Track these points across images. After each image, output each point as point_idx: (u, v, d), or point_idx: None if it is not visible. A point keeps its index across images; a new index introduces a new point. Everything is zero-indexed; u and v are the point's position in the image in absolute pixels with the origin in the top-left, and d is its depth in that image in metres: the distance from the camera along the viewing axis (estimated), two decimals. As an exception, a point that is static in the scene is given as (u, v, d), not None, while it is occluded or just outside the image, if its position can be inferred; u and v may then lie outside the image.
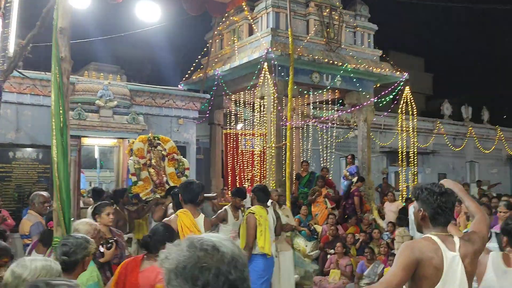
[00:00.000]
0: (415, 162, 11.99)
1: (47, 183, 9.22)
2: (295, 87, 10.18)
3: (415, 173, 12.14)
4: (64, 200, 2.95)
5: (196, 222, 4.24)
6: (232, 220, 6.18)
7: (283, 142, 9.87)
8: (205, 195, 7.41)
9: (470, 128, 20.18)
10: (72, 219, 3.08)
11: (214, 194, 6.96)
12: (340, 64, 10.60)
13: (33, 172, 9.27)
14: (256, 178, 11.60)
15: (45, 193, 5.55)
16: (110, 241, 3.66)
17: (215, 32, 12.08)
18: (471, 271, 2.46)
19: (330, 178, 11.40)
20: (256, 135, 12.28)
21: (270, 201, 7.04)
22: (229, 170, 12.20)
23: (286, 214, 7.32)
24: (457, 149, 19.72)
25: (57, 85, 2.98)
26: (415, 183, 12.44)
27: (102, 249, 3.38)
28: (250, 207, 5.78)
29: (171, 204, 6.06)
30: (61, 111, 2.93)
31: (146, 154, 6.88)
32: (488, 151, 20.71)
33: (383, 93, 11.89)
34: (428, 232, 2.52)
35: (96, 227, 3.47)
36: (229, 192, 10.42)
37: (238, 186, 11.44)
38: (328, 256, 8.36)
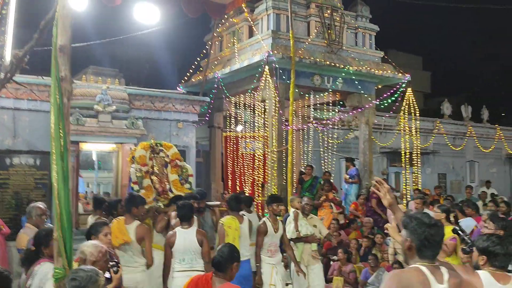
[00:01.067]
0: (418, 163, 11.88)
1: (45, 189, 9.07)
2: (296, 90, 10.06)
3: (418, 173, 12.02)
4: (65, 229, 2.80)
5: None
6: (271, 232, 5.92)
7: (285, 146, 9.75)
8: (207, 203, 7.29)
9: (470, 128, 20.10)
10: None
11: (218, 203, 6.76)
12: (342, 66, 10.47)
13: (31, 178, 9.12)
14: (257, 182, 11.45)
15: (42, 205, 5.38)
16: (117, 264, 3.53)
17: (215, 34, 11.93)
18: None
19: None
20: (257, 138, 12.14)
21: (292, 210, 6.95)
22: (229, 174, 12.07)
23: (314, 224, 6.93)
24: (457, 149, 19.65)
25: (57, 107, 2.83)
26: (418, 183, 12.34)
27: (108, 274, 3.24)
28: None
29: (173, 213, 5.93)
30: (61, 134, 2.79)
31: (148, 162, 6.72)
32: (487, 151, 20.64)
33: (385, 95, 11.76)
34: (414, 263, 2.47)
35: (101, 249, 3.34)
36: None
37: (238, 190, 11.32)
38: (331, 262, 8.23)
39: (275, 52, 9.60)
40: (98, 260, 3.27)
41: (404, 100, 11.52)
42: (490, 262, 3.20)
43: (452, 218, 7.00)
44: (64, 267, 2.87)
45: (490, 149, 20.71)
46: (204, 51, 12.30)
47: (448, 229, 6.15)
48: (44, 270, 3.46)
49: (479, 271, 3.12)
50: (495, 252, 3.17)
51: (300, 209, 6.96)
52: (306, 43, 10.42)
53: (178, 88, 12.52)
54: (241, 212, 6.14)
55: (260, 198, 10.80)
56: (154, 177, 6.70)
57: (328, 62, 10.29)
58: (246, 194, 9.03)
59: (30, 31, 5.02)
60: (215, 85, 11.24)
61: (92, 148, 10.40)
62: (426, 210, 8.26)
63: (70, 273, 2.65)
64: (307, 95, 12.24)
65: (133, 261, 5.05)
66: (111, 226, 4.67)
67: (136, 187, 6.40)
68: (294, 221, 7.29)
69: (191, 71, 12.42)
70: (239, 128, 12.72)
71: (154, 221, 6.23)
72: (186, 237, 5.08)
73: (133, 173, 6.51)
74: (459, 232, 4.57)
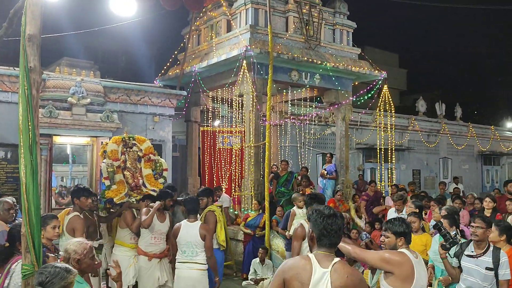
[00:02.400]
0: (393, 159, 12.04)
1: (16, 183, 8.85)
2: (274, 85, 10.04)
3: (392, 169, 12.20)
4: (33, 224, 2.71)
5: None
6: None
7: (262, 142, 9.73)
8: (177, 198, 7.23)
9: (444, 125, 20.50)
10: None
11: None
12: (319, 62, 10.50)
13: (1, 172, 8.90)
14: (233, 177, 11.42)
15: (9, 199, 5.26)
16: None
17: (192, 28, 11.80)
18: (340, 285, 2.55)
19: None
20: (234, 133, 12.09)
21: (294, 208, 7.02)
22: (206, 169, 12.00)
23: None
24: (431, 146, 20.03)
25: (25, 98, 2.74)
26: (393, 179, 12.53)
27: None
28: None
29: (145, 209, 5.89)
30: (30, 127, 2.69)
31: (120, 156, 6.58)
32: (460, 148, 21.11)
33: (361, 91, 11.86)
34: (314, 251, 2.70)
35: (86, 246, 3.24)
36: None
37: (215, 185, 11.28)
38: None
39: (253, 47, 9.56)
40: (83, 258, 3.19)
41: (380, 97, 11.64)
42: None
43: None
44: (33, 263, 2.79)
45: (463, 146, 21.19)
46: (182, 45, 12.16)
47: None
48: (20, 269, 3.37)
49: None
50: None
51: (302, 207, 7.05)
52: (284, 38, 10.42)
53: (154, 81, 12.36)
54: None
55: (236, 193, 10.77)
56: (126, 172, 6.58)
57: (306, 58, 10.31)
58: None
59: (1, 20, 4.86)
60: (193, 79, 11.14)
61: (66, 141, 10.18)
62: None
63: (39, 268, 2.58)
64: (284, 91, 12.26)
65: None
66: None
67: (107, 182, 6.28)
68: (289, 220, 7.38)
69: (168, 64, 12.27)
70: (217, 122, 12.65)
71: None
72: (189, 231, 5.35)
73: (104, 168, 6.38)
74: (441, 227, 4.62)
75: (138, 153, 6.87)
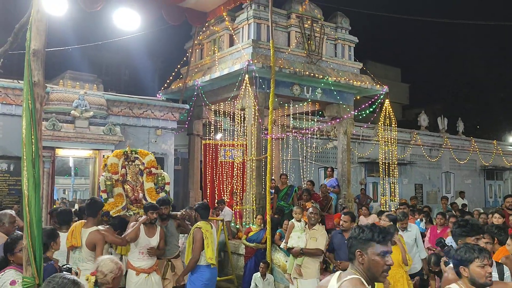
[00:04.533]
0: (395, 173, 12.03)
1: (18, 196, 8.88)
2: (276, 99, 10.09)
3: (395, 184, 12.18)
4: (35, 237, 2.73)
5: None
6: None
7: (264, 155, 9.74)
8: (171, 212, 7.19)
9: (446, 139, 20.49)
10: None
11: (179, 213, 6.54)
12: (321, 76, 10.55)
13: (4, 184, 8.93)
14: (235, 191, 11.41)
15: (12, 212, 5.27)
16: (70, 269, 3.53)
17: (195, 42, 11.91)
18: None
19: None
20: (236, 146, 12.12)
21: (293, 220, 6.99)
22: (208, 182, 12.00)
23: (314, 236, 6.75)
24: (433, 160, 20.00)
25: (29, 112, 2.77)
26: (395, 193, 12.50)
27: None
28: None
29: (132, 223, 5.89)
30: (33, 140, 2.72)
31: (120, 170, 6.61)
32: (463, 162, 21.07)
33: (363, 106, 11.90)
34: None
35: (121, 266, 3.31)
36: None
37: (217, 198, 11.28)
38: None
39: (255, 61, 9.63)
40: (118, 276, 3.26)
41: (382, 111, 11.66)
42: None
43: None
44: (33, 276, 2.79)
45: (465, 161, 21.15)
46: (185, 59, 12.26)
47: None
48: (5, 278, 3.37)
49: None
50: None
51: (300, 220, 7.01)
52: (286, 53, 10.49)
53: (157, 95, 12.44)
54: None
55: (238, 207, 10.75)
56: (126, 186, 6.61)
57: (307, 73, 10.37)
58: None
59: (6, 34, 4.93)
60: (195, 93, 11.21)
61: (69, 154, 10.23)
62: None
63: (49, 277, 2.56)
64: (286, 105, 12.30)
65: (76, 266, 5.11)
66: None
67: (104, 195, 6.31)
68: (287, 232, 7.37)
69: (171, 78, 12.35)
70: (219, 136, 12.69)
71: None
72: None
73: (102, 182, 6.42)
74: (445, 244, 4.57)
75: (140, 166, 6.90)
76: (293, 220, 7.43)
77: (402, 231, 7.34)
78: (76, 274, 3.65)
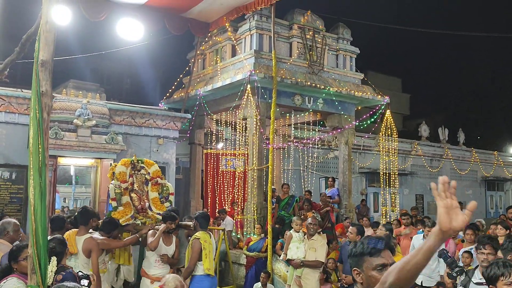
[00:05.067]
0: (396, 184, 12.04)
1: (20, 204, 8.89)
2: (278, 109, 10.14)
3: (396, 194, 12.18)
4: (40, 246, 2.75)
5: None
6: None
7: (266, 165, 9.77)
8: (180, 222, 7.22)
9: (447, 150, 20.51)
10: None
11: (190, 223, 6.55)
12: (322, 87, 10.61)
13: (5, 192, 8.93)
14: (236, 200, 11.42)
15: (15, 220, 5.30)
16: (88, 276, 3.54)
17: (198, 52, 11.99)
18: None
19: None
20: (238, 156, 12.14)
21: (291, 230, 6.98)
22: (209, 191, 12.00)
23: (314, 246, 6.75)
24: (434, 170, 20.00)
25: (36, 122, 2.81)
26: (396, 204, 12.49)
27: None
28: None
29: (151, 232, 5.93)
30: (40, 149, 2.76)
31: (128, 178, 6.65)
32: (463, 173, 21.07)
33: (364, 116, 11.94)
34: None
35: (181, 280, 3.44)
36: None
37: (218, 207, 11.28)
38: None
39: (257, 71, 9.69)
40: None
41: (383, 122, 11.71)
42: None
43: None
44: (38, 284, 2.80)
45: (466, 171, 21.15)
46: (187, 68, 12.33)
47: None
48: (7, 286, 3.38)
49: None
50: None
51: (299, 231, 7.03)
52: (288, 63, 10.56)
53: (159, 104, 12.49)
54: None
55: (239, 217, 10.75)
56: (133, 194, 6.63)
57: (309, 83, 10.43)
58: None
59: (13, 43, 4.98)
60: (197, 102, 11.26)
61: (70, 162, 10.27)
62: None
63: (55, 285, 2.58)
64: (288, 115, 12.35)
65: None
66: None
67: (114, 203, 6.33)
68: (285, 244, 7.36)
69: (173, 87, 12.42)
70: (220, 145, 12.72)
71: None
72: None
73: (112, 190, 6.44)
74: (447, 255, 4.52)
75: (146, 176, 6.94)
76: (291, 231, 7.43)
77: (424, 239, 7.19)
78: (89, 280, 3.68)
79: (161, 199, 6.84)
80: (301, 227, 7.35)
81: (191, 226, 6.42)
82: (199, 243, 5.81)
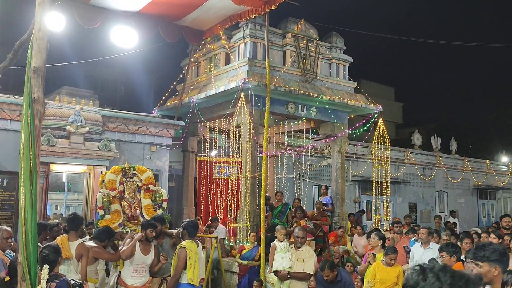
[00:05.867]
0: (389, 192, 12.08)
1: (11, 211, 8.82)
2: (271, 117, 10.16)
3: (388, 202, 12.22)
4: (30, 253, 2.73)
5: None
6: None
7: (259, 172, 9.77)
8: (165, 230, 7.16)
9: (439, 158, 20.63)
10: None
11: (175, 231, 6.47)
12: (316, 95, 10.66)
13: (-4, 199, 8.86)
14: (229, 208, 11.39)
15: (8, 228, 5.26)
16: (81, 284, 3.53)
17: (192, 59, 12.01)
18: None
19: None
20: (231, 163, 12.14)
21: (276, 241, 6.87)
22: (202, 199, 11.97)
23: (301, 257, 6.56)
24: (426, 179, 20.10)
25: (28, 128, 2.80)
26: (389, 212, 12.53)
27: None
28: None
29: (128, 240, 5.89)
30: (31, 156, 2.75)
31: (118, 186, 6.61)
32: (456, 181, 21.19)
33: (357, 124, 12.00)
34: None
35: None
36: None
37: (211, 215, 11.25)
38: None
39: (251, 79, 9.72)
40: None
41: (376, 130, 11.76)
42: None
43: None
44: (27, 292, 2.79)
45: (459, 180, 21.27)
46: (181, 76, 12.35)
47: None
48: None
49: None
50: None
51: (283, 241, 6.91)
52: (282, 71, 10.61)
53: (153, 111, 12.48)
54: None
55: (232, 225, 10.73)
56: (124, 202, 6.61)
57: (302, 91, 10.47)
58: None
59: (5, 49, 4.97)
60: (191, 110, 11.27)
61: (63, 169, 10.21)
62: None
63: None
64: (281, 122, 12.37)
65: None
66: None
67: (101, 211, 6.30)
68: (270, 255, 7.13)
69: (167, 95, 12.42)
70: (213, 153, 12.71)
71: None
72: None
73: (100, 198, 6.41)
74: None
75: (138, 183, 6.91)
76: (275, 241, 7.21)
77: (422, 247, 7.17)
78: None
79: (154, 206, 6.82)
80: (285, 237, 7.24)
81: (174, 234, 6.38)
82: (185, 252, 5.74)
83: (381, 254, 6.49)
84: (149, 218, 6.61)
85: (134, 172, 6.81)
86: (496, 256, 2.82)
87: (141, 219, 6.56)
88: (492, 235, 7.15)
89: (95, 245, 5.65)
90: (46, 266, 3.25)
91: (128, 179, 6.71)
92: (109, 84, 18.69)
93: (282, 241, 7.05)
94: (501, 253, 2.87)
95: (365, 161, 17.52)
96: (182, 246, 5.82)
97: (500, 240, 6.99)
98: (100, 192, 6.47)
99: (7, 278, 3.61)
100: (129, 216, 6.48)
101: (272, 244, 7.22)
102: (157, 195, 6.90)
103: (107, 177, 6.54)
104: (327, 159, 15.61)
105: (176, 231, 6.54)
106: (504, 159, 26.35)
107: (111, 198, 6.41)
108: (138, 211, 6.62)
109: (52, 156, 9.00)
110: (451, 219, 15.40)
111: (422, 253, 6.93)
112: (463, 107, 33.00)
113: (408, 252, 7.75)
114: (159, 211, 6.80)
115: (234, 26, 10.52)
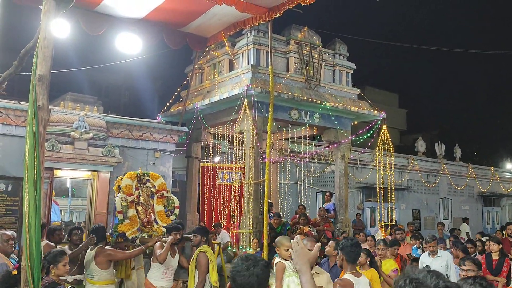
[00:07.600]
0: (393, 199, 12.06)
1: (15, 216, 8.86)
2: (274, 123, 10.19)
3: (392, 209, 12.19)
4: (34, 258, 2.76)
5: None
6: None
7: (262, 179, 9.78)
8: (184, 235, 7.23)
9: (443, 165, 20.56)
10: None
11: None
12: (319, 102, 10.69)
13: (1, 204, 8.91)
14: (232, 214, 11.40)
15: (8, 232, 5.29)
16: None
17: (196, 66, 12.08)
18: None
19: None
20: (234, 169, 12.16)
21: (277, 259, 5.36)
22: (205, 205, 11.99)
23: (320, 284, 4.47)
24: (430, 186, 20.03)
25: (32, 135, 2.84)
26: (393, 219, 12.49)
27: None
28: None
29: (158, 244, 5.92)
30: (35, 163, 2.78)
31: (134, 191, 6.68)
32: (460, 188, 21.10)
33: (361, 131, 12.00)
34: None
35: None
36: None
37: (214, 221, 11.26)
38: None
39: (255, 86, 9.76)
40: None
41: (380, 137, 11.76)
42: None
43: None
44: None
45: (463, 187, 21.18)
46: (185, 82, 12.41)
47: (391, 261, 6.30)
48: None
49: None
50: None
51: (288, 258, 4.51)
52: (285, 78, 10.65)
53: (157, 117, 12.54)
54: None
55: (235, 231, 10.73)
56: (139, 207, 6.65)
57: (305, 98, 10.51)
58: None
59: (11, 56, 5.03)
60: (194, 116, 11.32)
61: (67, 175, 10.25)
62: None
63: None
64: (284, 129, 12.40)
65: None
66: None
67: (120, 216, 6.35)
68: (276, 279, 4.55)
69: (171, 101, 12.49)
70: (217, 159, 12.74)
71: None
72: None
73: (118, 203, 6.46)
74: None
75: (152, 189, 6.97)
76: (279, 260, 4.72)
77: (430, 256, 6.99)
78: None
79: (167, 212, 6.87)
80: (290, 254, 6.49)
81: (192, 239, 6.41)
82: (206, 257, 5.85)
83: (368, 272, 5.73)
84: (164, 224, 6.67)
85: (148, 178, 6.87)
86: None
87: (155, 225, 6.62)
88: (491, 242, 7.09)
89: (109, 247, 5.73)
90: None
91: (142, 185, 6.77)
92: (114, 90, 18.80)
93: (288, 259, 4.62)
94: None
95: (368, 168, 17.49)
96: (202, 250, 5.93)
97: (499, 245, 6.94)
98: (117, 196, 6.52)
99: (14, 272, 3.62)
100: (144, 222, 6.53)
101: (277, 262, 4.71)
102: (169, 202, 6.97)
103: (124, 182, 6.59)
104: (331, 166, 15.61)
105: (191, 236, 6.53)
106: (509, 166, 26.23)
107: (129, 203, 6.47)
108: (152, 217, 6.68)
109: (57, 162, 9.04)
110: (465, 227, 15.24)
111: (431, 262, 6.83)
112: (468, 114, 32.97)
113: (413, 260, 7.64)
114: (172, 217, 6.86)
115: (238, 33, 10.57)
